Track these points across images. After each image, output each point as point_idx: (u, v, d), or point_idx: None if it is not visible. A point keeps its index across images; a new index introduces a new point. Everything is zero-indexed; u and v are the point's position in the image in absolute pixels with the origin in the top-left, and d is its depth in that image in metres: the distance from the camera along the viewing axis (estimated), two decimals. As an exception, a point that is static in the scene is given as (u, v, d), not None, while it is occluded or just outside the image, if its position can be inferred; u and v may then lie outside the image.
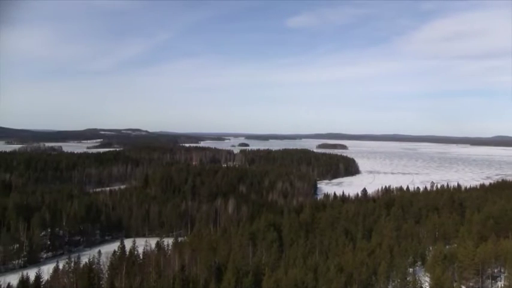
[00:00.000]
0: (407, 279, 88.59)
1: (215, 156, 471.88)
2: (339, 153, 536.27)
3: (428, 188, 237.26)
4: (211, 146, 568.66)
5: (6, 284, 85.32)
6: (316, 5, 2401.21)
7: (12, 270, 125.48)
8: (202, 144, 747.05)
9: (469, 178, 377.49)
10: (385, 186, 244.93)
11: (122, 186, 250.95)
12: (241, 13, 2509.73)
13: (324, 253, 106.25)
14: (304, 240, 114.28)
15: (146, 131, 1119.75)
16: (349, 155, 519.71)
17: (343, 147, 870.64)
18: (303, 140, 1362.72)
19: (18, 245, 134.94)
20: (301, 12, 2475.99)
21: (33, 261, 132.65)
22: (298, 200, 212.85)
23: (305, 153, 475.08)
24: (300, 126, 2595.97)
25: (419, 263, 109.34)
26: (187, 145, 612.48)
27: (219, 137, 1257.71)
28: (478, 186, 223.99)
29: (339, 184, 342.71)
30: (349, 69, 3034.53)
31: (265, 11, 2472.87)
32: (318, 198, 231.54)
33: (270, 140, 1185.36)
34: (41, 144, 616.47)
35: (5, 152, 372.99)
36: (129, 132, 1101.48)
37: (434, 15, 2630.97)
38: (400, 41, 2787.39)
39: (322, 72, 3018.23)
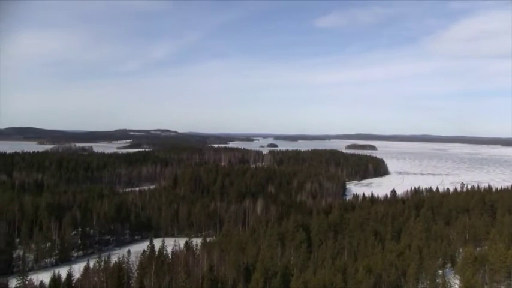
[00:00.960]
0: (437, 281, 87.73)
1: (244, 156, 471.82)
2: (368, 154, 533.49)
3: (459, 189, 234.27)
4: (240, 147, 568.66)
5: (39, 282, 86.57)
6: (345, 5, 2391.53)
7: (45, 268, 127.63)
8: (231, 144, 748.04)
9: (500, 179, 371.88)
10: (415, 187, 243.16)
11: (151, 187, 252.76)
12: (270, 14, 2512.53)
13: (353, 254, 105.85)
14: (333, 241, 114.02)
15: (175, 132, 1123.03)
16: (378, 156, 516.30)
17: (372, 147, 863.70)
18: (332, 140, 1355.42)
19: (50, 244, 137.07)
20: (330, 12, 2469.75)
21: (65, 259, 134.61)
22: (327, 200, 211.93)
23: (334, 154, 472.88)
24: (329, 127, 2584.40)
25: (449, 265, 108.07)
26: (216, 146, 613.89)
27: (248, 138, 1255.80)
28: (510, 188, 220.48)
29: (368, 185, 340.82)
30: (378, 69, 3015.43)
31: (294, 12, 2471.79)
32: (347, 199, 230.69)
33: (299, 141, 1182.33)
34: (72, 144, 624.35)
35: (37, 153, 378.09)
36: (158, 132, 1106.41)
37: (462, 15, 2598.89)
38: (429, 41, 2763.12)
39: (351, 73, 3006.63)
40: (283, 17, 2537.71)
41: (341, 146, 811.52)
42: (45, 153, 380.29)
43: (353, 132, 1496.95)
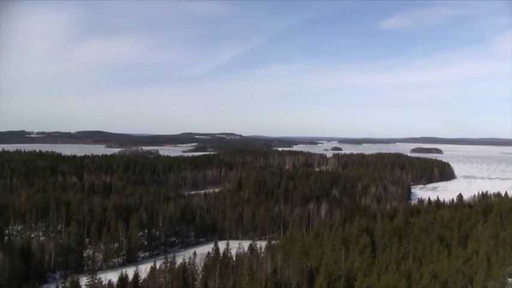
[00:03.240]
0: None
1: (308, 160, 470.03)
2: (433, 158, 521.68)
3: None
4: (304, 150, 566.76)
5: (107, 281, 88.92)
6: (409, 6, 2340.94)
7: (113, 267, 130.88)
8: (295, 148, 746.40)
9: None
10: (482, 192, 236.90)
11: (216, 189, 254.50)
12: (334, 16, 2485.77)
13: (418, 259, 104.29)
14: (398, 246, 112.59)
15: (240, 135, 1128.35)
16: (444, 160, 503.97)
17: (438, 151, 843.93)
18: (397, 144, 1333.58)
19: (118, 244, 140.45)
20: (394, 14, 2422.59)
21: (132, 260, 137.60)
22: (392, 204, 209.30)
23: (399, 158, 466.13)
24: (394, 130, 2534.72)
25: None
26: (280, 149, 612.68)
27: (312, 141, 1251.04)
28: None
29: (433, 189, 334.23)
30: (444, 70, 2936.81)
31: (358, 14, 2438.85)
32: (412, 203, 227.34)
33: (363, 144, 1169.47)
34: (139, 147, 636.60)
35: (106, 155, 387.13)
36: (223, 136, 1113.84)
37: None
38: (498, 41, 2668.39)
39: (416, 75, 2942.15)
40: (346, 20, 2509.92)
41: (406, 149, 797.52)
42: (113, 156, 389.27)
43: (418, 136, 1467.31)
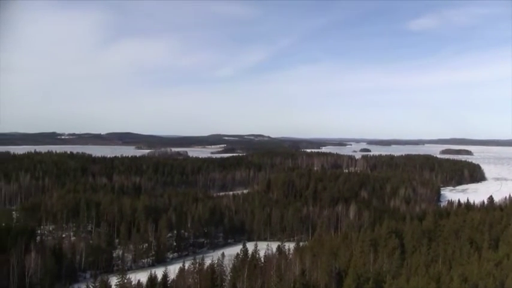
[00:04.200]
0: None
1: (337, 161, 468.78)
2: (463, 159, 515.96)
3: None
4: (332, 152, 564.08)
5: (137, 281, 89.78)
6: (438, 6, 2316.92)
7: (142, 268, 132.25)
8: (323, 149, 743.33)
9: None
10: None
11: (245, 191, 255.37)
12: (362, 17, 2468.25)
13: (448, 262, 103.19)
14: (427, 248, 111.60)
15: (268, 137, 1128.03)
16: (474, 161, 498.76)
17: (468, 152, 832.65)
18: (426, 145, 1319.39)
19: (147, 245, 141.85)
20: (423, 14, 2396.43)
21: (161, 260, 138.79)
22: (421, 206, 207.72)
23: (428, 159, 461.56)
24: (423, 131, 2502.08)
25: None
26: (308, 150, 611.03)
27: (341, 143, 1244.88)
28: None
29: (463, 191, 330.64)
30: (475, 71, 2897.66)
31: (385, 14, 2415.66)
32: (442, 205, 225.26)
33: (392, 146, 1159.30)
34: (168, 149, 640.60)
35: (135, 157, 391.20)
36: (251, 137, 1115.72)
37: None
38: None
39: (446, 75, 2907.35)
40: (375, 21, 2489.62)
41: (435, 150, 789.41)
42: (142, 158, 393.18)
43: (448, 137, 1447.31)
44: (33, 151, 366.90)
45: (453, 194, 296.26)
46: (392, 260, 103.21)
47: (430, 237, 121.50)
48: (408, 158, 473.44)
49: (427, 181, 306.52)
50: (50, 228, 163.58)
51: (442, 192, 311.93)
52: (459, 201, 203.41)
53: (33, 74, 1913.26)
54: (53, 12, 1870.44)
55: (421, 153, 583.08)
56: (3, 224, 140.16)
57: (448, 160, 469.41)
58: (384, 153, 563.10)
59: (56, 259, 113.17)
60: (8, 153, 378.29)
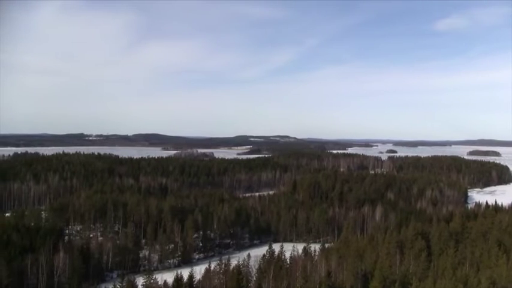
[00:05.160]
0: None
1: (363, 162, 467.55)
2: (491, 160, 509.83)
3: None
4: (358, 153, 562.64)
5: (163, 281, 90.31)
6: (466, 6, 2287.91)
7: (168, 268, 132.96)
8: (349, 150, 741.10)
9: None
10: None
11: (271, 192, 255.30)
12: (388, 17, 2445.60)
13: (475, 265, 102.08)
14: (454, 251, 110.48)
15: (294, 138, 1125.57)
16: (502, 162, 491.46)
17: (496, 154, 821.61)
18: (453, 146, 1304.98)
19: (173, 245, 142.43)
20: (450, 14, 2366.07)
21: (187, 261, 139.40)
22: (448, 208, 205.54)
23: (455, 160, 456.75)
24: (450, 132, 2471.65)
25: None
26: (334, 151, 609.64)
27: (367, 144, 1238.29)
28: None
29: (491, 193, 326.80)
30: (503, 71, 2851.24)
31: (412, 14, 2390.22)
32: (469, 207, 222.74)
33: (419, 147, 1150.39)
34: (194, 150, 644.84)
35: (162, 158, 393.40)
36: (277, 138, 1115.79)
37: None
38: None
39: (474, 76, 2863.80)
40: (401, 21, 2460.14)
41: (462, 152, 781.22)
42: (169, 159, 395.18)
43: (475, 138, 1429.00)
44: (61, 152, 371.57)
45: (481, 196, 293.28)
46: (419, 262, 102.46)
47: (457, 239, 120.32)
48: (435, 159, 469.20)
49: (454, 183, 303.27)
50: (78, 228, 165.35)
51: (469, 193, 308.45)
52: (487, 203, 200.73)
53: (62, 76, 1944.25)
54: (83, 14, 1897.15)
55: (448, 154, 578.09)
56: (33, 224, 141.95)
57: (475, 161, 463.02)
58: (410, 154, 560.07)
59: (84, 259, 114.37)
60: (37, 154, 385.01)
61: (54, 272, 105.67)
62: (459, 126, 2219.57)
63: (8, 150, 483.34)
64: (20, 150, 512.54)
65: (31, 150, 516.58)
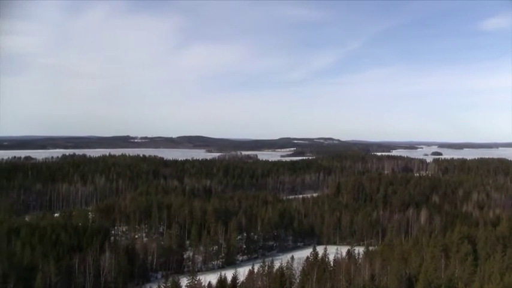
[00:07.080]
0: None
1: (407, 165, 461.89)
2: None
3: None
4: (403, 155, 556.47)
5: (207, 282, 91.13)
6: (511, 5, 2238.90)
7: (212, 269, 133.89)
8: (394, 153, 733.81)
9: None
10: None
11: (314, 194, 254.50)
12: (431, 18, 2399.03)
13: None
14: (501, 255, 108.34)
15: (338, 140, 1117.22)
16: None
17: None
18: (500, 148, 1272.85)
19: (217, 247, 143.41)
20: (495, 13, 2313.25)
21: (230, 262, 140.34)
22: (495, 212, 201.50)
23: (503, 163, 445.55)
24: (497, 134, 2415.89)
25: None
26: (379, 154, 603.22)
27: (411, 146, 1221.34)
28: None
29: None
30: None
31: (456, 14, 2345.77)
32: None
33: (464, 149, 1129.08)
34: (238, 152, 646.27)
35: (206, 160, 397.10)
36: (321, 141, 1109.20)
37: None
38: None
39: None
40: (445, 22, 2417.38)
41: (510, 154, 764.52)
42: (213, 161, 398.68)
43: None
44: (107, 154, 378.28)
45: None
46: (465, 267, 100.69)
47: (504, 243, 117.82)
48: (481, 161, 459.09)
49: (501, 186, 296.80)
50: (123, 229, 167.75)
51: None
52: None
53: (109, 79, 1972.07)
54: (130, 17, 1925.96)
55: (495, 156, 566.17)
56: (80, 224, 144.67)
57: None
58: (455, 156, 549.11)
59: (129, 259, 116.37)
60: (84, 156, 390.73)
61: (101, 272, 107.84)
62: (506, 129, 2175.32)
63: (57, 152, 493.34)
64: (68, 152, 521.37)
65: (78, 152, 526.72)
